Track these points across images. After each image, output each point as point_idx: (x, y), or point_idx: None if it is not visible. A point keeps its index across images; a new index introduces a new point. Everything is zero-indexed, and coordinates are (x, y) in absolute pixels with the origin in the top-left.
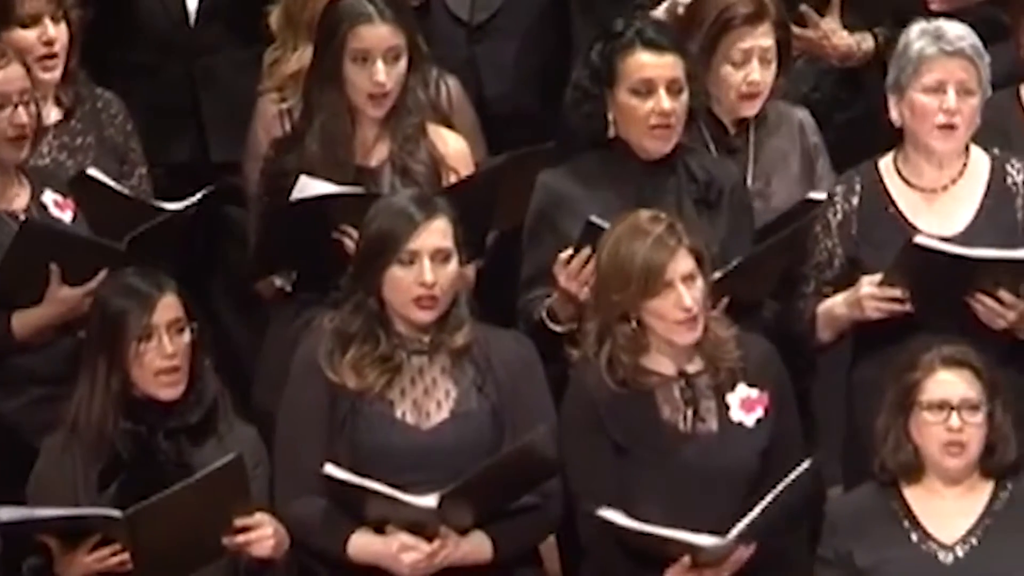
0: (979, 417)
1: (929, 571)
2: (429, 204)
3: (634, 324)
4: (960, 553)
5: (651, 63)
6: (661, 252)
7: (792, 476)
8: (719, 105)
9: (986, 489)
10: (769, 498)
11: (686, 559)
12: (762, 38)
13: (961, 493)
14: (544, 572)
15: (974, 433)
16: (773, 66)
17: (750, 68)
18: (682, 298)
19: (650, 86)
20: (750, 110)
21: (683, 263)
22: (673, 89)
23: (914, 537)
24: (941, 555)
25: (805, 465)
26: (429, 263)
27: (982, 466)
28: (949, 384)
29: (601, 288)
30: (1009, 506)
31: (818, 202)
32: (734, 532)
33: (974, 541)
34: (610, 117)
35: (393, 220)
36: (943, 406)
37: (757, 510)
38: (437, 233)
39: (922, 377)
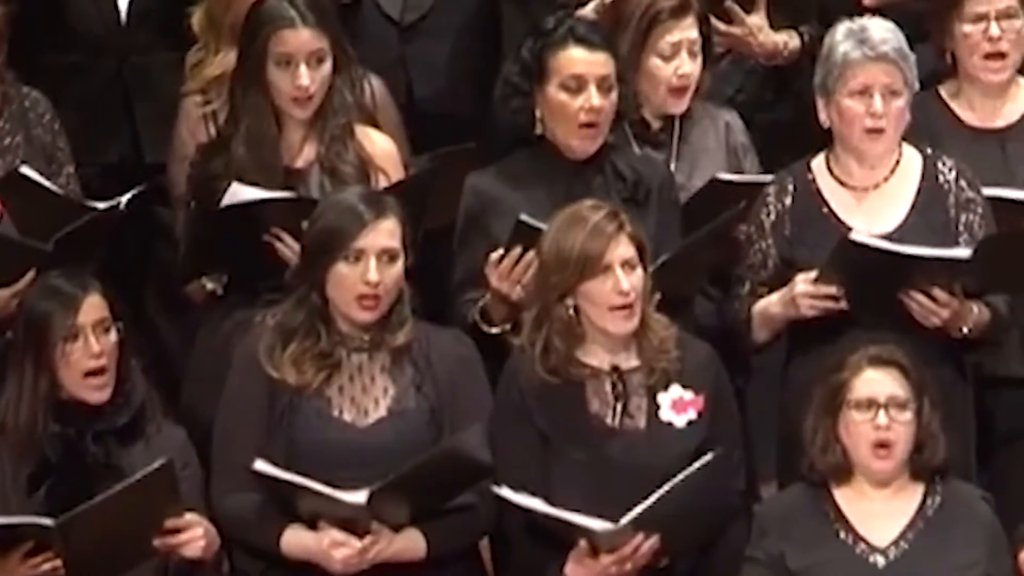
0: (907, 415)
1: (861, 574)
2: (379, 203)
3: (571, 309)
4: (892, 556)
5: (583, 59)
6: (601, 236)
7: (692, 468)
8: (648, 103)
9: (917, 491)
10: (666, 488)
11: (583, 544)
12: (689, 30)
13: (892, 495)
14: (480, 567)
15: (902, 431)
16: (700, 59)
17: (680, 61)
18: (619, 282)
19: (581, 82)
20: (678, 107)
21: (623, 248)
22: (603, 87)
23: (846, 539)
24: (873, 558)
25: (707, 458)
26: (375, 262)
27: (911, 466)
28: (876, 383)
29: (541, 273)
30: (940, 509)
31: (728, 183)
32: (627, 518)
33: (905, 544)
34: (538, 114)
35: (342, 217)
36: (871, 404)
37: (653, 498)
38: (385, 233)
39: (849, 377)
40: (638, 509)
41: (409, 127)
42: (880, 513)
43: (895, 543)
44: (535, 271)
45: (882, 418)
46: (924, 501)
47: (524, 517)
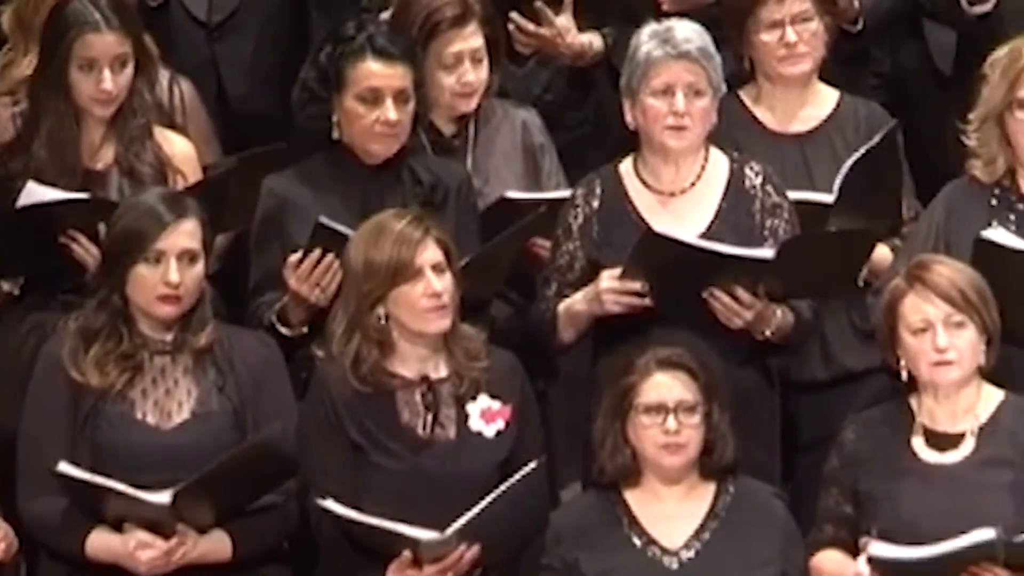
0: (696, 418)
1: None
2: (179, 204)
3: (382, 319)
4: (684, 558)
5: (380, 72)
6: (409, 241)
7: (516, 477)
8: (436, 108)
9: (708, 492)
10: (490, 498)
11: (406, 554)
12: (471, 39)
13: (682, 496)
14: (289, 570)
15: (691, 434)
16: (485, 64)
17: (463, 70)
18: (431, 283)
19: (377, 95)
20: (466, 106)
21: (431, 251)
22: (400, 99)
23: (638, 543)
24: (666, 560)
25: (531, 467)
26: (176, 263)
27: (701, 467)
28: (665, 386)
29: (349, 285)
30: (732, 509)
31: (515, 201)
32: (453, 527)
33: (698, 545)
34: (335, 119)
35: (142, 219)
36: (659, 408)
37: (477, 509)
38: (185, 234)
39: (638, 380)
40: (464, 519)
41: (223, 127)
42: (672, 515)
43: (687, 545)
44: (342, 282)
45: (671, 422)
46: (715, 501)
47: (343, 527)
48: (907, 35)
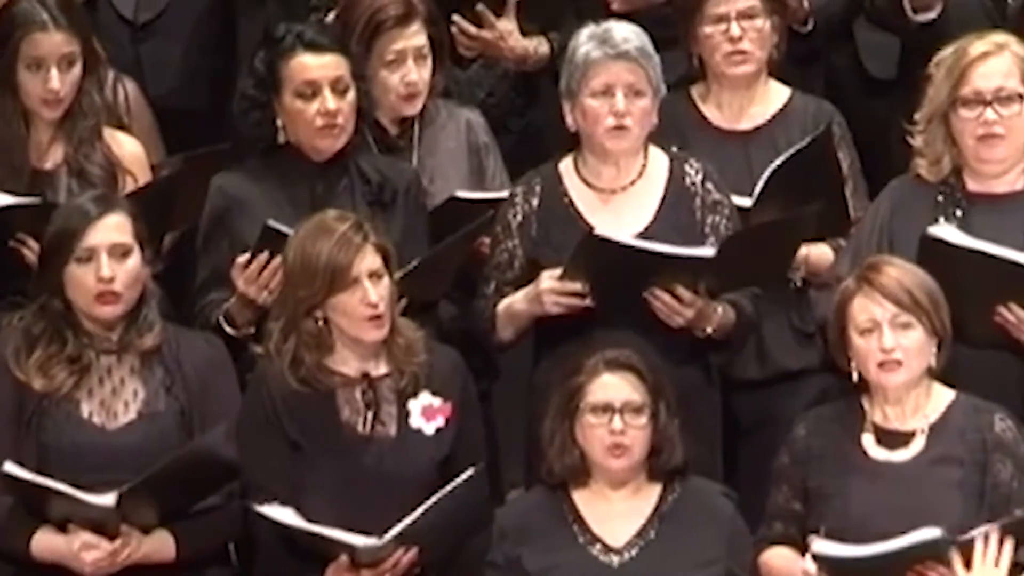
0: (642, 419)
1: (597, 575)
2: (105, 201)
3: (320, 321)
4: (628, 557)
5: (313, 64)
6: (347, 248)
7: (456, 482)
8: (380, 107)
9: (654, 492)
10: (429, 502)
11: (344, 558)
12: (414, 38)
13: (628, 496)
14: (232, 571)
15: (637, 435)
16: (429, 63)
17: (406, 68)
18: (368, 294)
19: (314, 87)
20: (411, 109)
21: (369, 259)
22: (338, 88)
23: (582, 541)
24: (609, 559)
25: (469, 472)
26: (107, 258)
27: (649, 469)
28: (612, 387)
29: (288, 285)
30: (678, 507)
31: (465, 200)
32: (390, 534)
33: (642, 544)
34: (279, 123)
35: (69, 219)
36: (606, 409)
37: (416, 514)
38: (113, 228)
39: (586, 381)
40: (401, 525)
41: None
42: (618, 514)
43: (631, 543)
44: (280, 280)
45: (617, 423)
46: (661, 501)
47: (279, 530)
48: (839, 36)
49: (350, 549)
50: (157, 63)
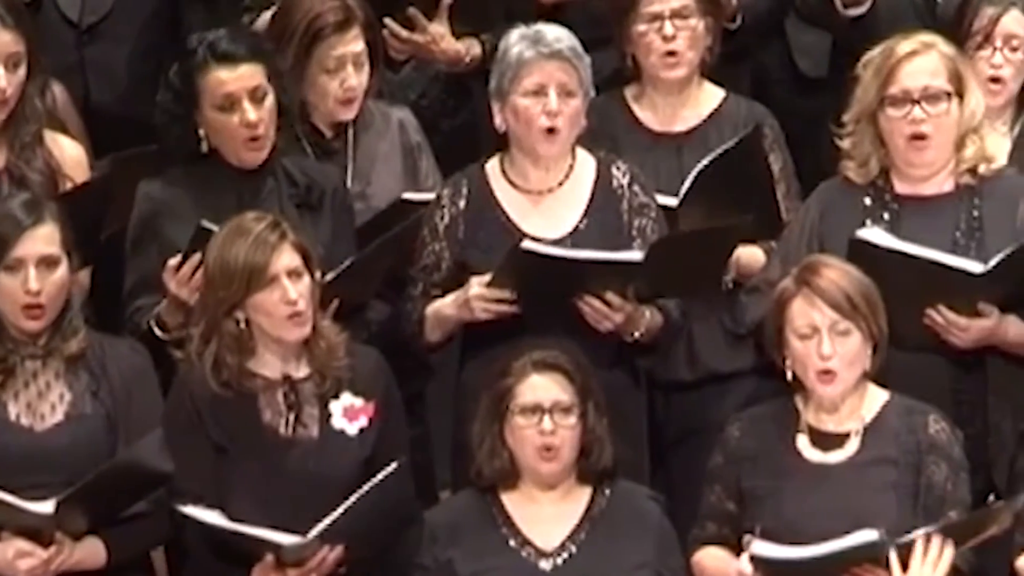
0: (571, 420)
1: None
2: (36, 209)
3: (241, 323)
4: (559, 560)
5: (228, 78)
6: (264, 247)
7: (378, 478)
8: (316, 112)
9: (584, 494)
10: (352, 499)
11: (269, 558)
12: (353, 43)
13: (559, 498)
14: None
15: (567, 436)
16: (366, 68)
17: (345, 74)
18: (287, 292)
19: (232, 100)
20: (348, 114)
21: (287, 257)
22: (256, 97)
23: (513, 544)
24: (541, 562)
25: (391, 468)
26: (34, 270)
27: (578, 470)
28: (541, 388)
29: (208, 288)
30: (607, 511)
31: (412, 202)
32: (313, 532)
33: (573, 547)
34: (201, 133)
35: (0, 226)
36: (535, 410)
37: (339, 511)
38: (42, 239)
39: (514, 382)
40: (325, 522)
41: (87, 131)
42: (548, 517)
43: (562, 546)
44: (201, 283)
45: (547, 423)
46: (591, 504)
47: (204, 532)
48: (770, 35)
49: (275, 548)
50: (102, 66)
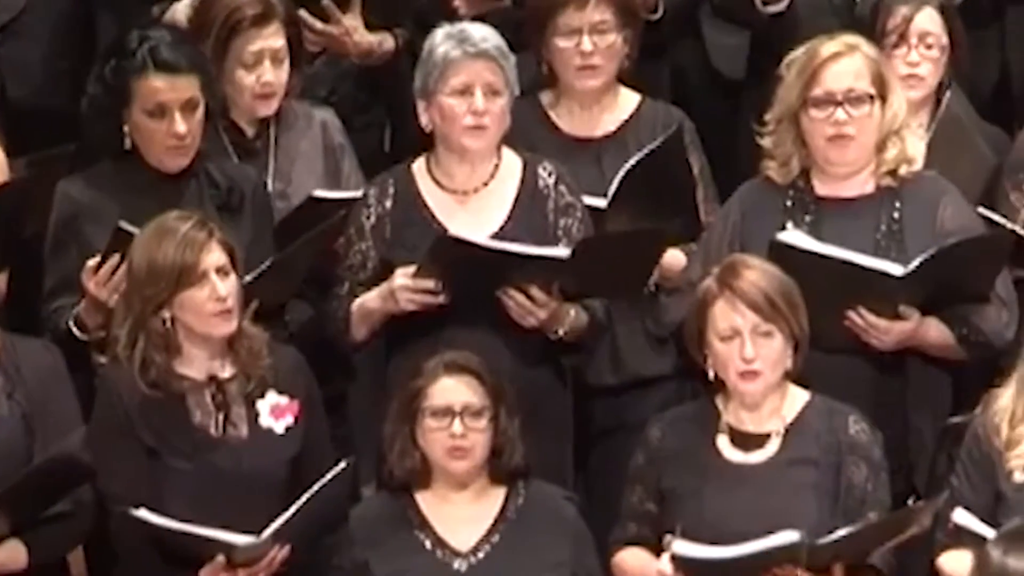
0: (482, 422)
1: None
2: None
3: (167, 321)
4: (473, 560)
5: (164, 88)
6: (193, 245)
7: (327, 478)
8: (235, 108)
9: (498, 495)
10: (303, 499)
11: (220, 558)
12: (272, 38)
13: (473, 499)
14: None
15: (478, 438)
16: (286, 64)
17: (262, 69)
18: (216, 288)
19: (164, 109)
20: (266, 109)
21: (216, 255)
22: (188, 108)
23: (428, 545)
24: (456, 563)
25: (341, 466)
26: None
27: (490, 470)
28: (451, 390)
29: (133, 287)
30: (523, 511)
31: (324, 200)
32: (268, 532)
33: (488, 547)
34: (126, 130)
35: None
36: (446, 412)
37: (291, 511)
38: None
39: (425, 384)
40: (279, 521)
41: (2, 128)
42: (462, 518)
43: (477, 547)
44: (125, 283)
45: (457, 426)
46: (506, 504)
47: (149, 534)
48: (687, 35)
49: (227, 548)
50: (16, 64)
